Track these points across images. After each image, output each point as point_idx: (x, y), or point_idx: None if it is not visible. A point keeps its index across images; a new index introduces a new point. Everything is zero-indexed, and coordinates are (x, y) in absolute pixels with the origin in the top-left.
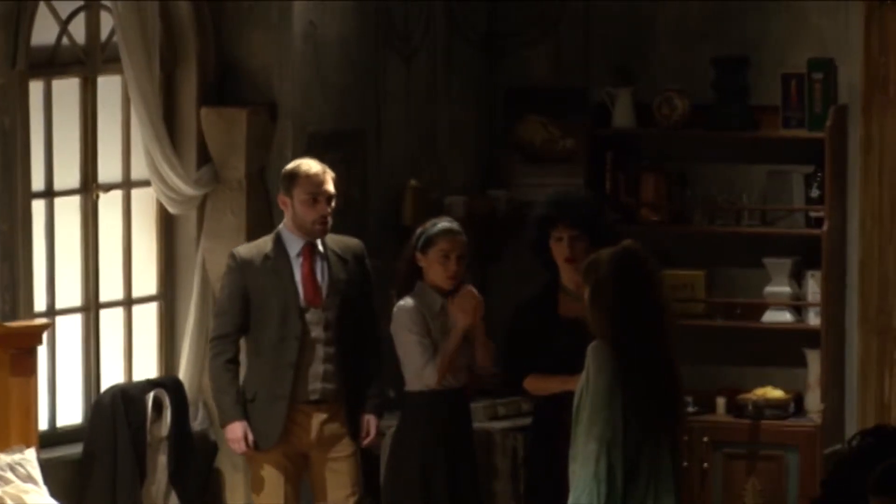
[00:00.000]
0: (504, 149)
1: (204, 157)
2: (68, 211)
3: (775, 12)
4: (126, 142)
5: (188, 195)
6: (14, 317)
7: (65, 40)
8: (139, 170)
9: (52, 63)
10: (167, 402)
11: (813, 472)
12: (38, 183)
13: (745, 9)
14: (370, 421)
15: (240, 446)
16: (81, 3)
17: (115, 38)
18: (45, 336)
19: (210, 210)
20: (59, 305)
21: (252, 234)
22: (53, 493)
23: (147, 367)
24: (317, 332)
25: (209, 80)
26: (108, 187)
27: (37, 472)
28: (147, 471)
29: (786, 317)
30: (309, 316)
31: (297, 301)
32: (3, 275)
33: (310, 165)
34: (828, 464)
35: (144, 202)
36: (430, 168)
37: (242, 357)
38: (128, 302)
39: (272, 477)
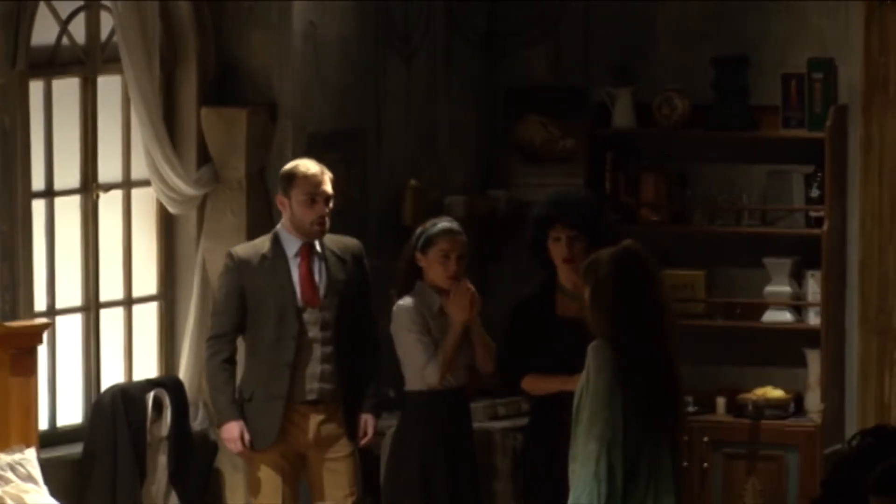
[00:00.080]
0: (504, 149)
1: (204, 157)
2: (68, 211)
3: (775, 12)
4: (126, 142)
5: (188, 195)
6: (14, 317)
7: (65, 40)
8: (139, 170)
9: (52, 63)
10: (167, 401)
11: (813, 472)
12: (38, 183)
13: (745, 9)
14: (368, 421)
15: (236, 446)
16: (81, 3)
17: (115, 38)
18: (45, 336)
19: (210, 210)
20: (59, 305)
21: (252, 234)
22: (53, 493)
23: (147, 367)
24: (314, 332)
25: (209, 80)
26: (108, 187)
27: (37, 472)
28: (147, 471)
29: (786, 317)
30: (306, 316)
31: (294, 301)
32: (3, 275)
33: (307, 166)
34: (828, 464)
35: (144, 202)
36: (430, 168)
37: (240, 357)
38: (128, 302)
39: (269, 477)
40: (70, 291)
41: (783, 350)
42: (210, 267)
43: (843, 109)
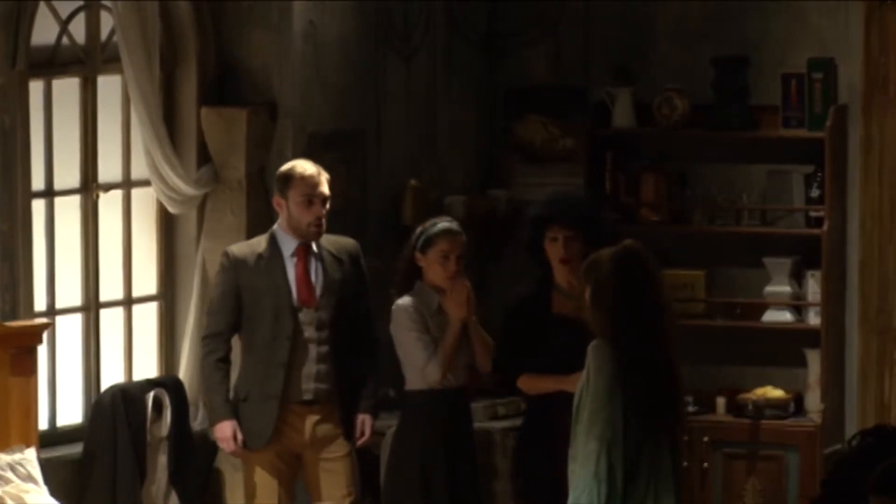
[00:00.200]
0: (504, 149)
1: (204, 157)
2: (68, 211)
3: (775, 12)
4: (126, 142)
5: (188, 195)
6: (14, 317)
7: (65, 40)
8: (139, 170)
9: (52, 63)
10: (167, 401)
11: (813, 472)
12: (38, 183)
13: (745, 9)
14: (365, 421)
15: (228, 445)
16: (81, 3)
17: (115, 38)
18: (45, 336)
19: (210, 210)
20: (59, 305)
21: (252, 234)
22: (53, 493)
23: (147, 367)
24: (309, 332)
25: (209, 80)
26: (108, 187)
27: (37, 472)
28: (147, 471)
29: (786, 317)
30: (301, 316)
31: (289, 301)
32: (3, 275)
33: (304, 167)
34: (828, 464)
35: (144, 202)
36: (430, 168)
37: (235, 356)
38: (128, 302)
39: (265, 478)
40: (70, 291)
41: (783, 350)
42: (210, 267)
43: (843, 109)
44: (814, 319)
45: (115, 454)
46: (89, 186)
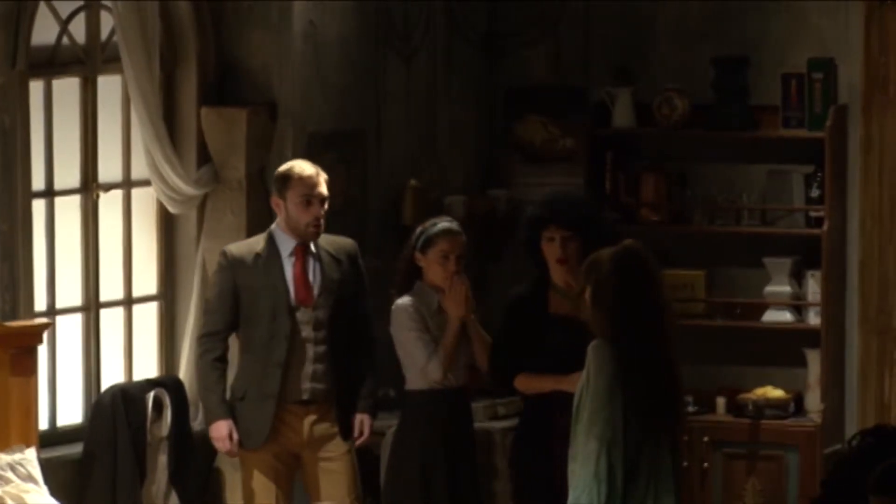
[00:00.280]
0: (504, 149)
1: (204, 157)
2: (68, 211)
3: (775, 12)
4: (126, 141)
5: (188, 195)
6: (14, 316)
7: (65, 40)
8: (139, 169)
9: (52, 63)
10: (167, 401)
11: (813, 472)
12: (38, 182)
13: (745, 9)
14: (364, 421)
15: (224, 445)
16: (81, 2)
17: (115, 38)
18: (45, 336)
19: (210, 210)
20: (59, 305)
21: (252, 234)
22: (53, 493)
23: (147, 367)
24: (307, 331)
25: (209, 80)
26: (109, 187)
27: (37, 472)
28: (147, 471)
29: (786, 317)
30: (299, 315)
31: (287, 300)
32: (3, 275)
33: (303, 168)
34: (828, 464)
35: (144, 202)
36: (430, 168)
37: (232, 355)
38: (128, 302)
39: (263, 479)
40: (70, 291)
41: (783, 350)
42: (210, 267)
43: (843, 109)
44: (814, 319)
45: (115, 454)
46: (89, 186)
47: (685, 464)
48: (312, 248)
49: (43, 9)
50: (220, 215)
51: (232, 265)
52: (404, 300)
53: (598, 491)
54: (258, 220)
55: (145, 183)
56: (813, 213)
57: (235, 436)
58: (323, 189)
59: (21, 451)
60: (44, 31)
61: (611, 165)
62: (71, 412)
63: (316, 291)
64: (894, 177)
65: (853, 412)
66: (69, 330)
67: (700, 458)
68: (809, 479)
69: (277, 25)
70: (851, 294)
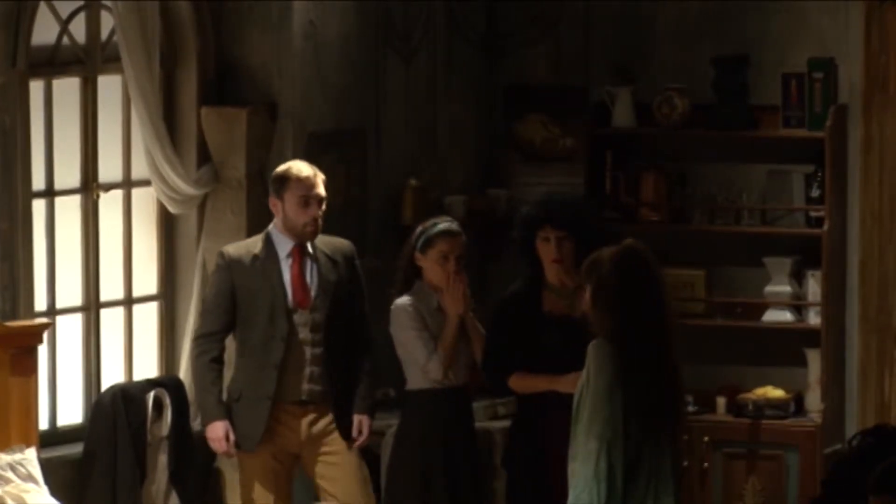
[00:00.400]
0: (504, 148)
1: (204, 157)
2: (69, 210)
3: (775, 12)
4: (126, 141)
5: (188, 195)
6: (14, 316)
7: (65, 40)
8: (139, 169)
9: (52, 63)
10: (167, 401)
11: (813, 472)
12: (38, 182)
13: (745, 8)
14: (363, 421)
15: (220, 446)
16: (81, 2)
17: (115, 38)
18: (45, 336)
19: (210, 210)
20: (59, 305)
21: (252, 234)
22: (54, 493)
23: (147, 367)
24: (304, 333)
25: (209, 80)
26: (109, 187)
27: (37, 472)
28: (147, 470)
29: (786, 316)
30: (296, 317)
31: (284, 302)
32: (4, 274)
33: (300, 168)
34: (828, 464)
35: (145, 202)
36: (430, 168)
37: (228, 356)
38: (128, 301)
39: (261, 479)
40: (70, 291)
41: (783, 350)
42: (210, 267)
43: (843, 109)
44: (814, 319)
45: (115, 454)
46: (89, 186)
47: (685, 464)
48: (309, 249)
49: (43, 9)
50: (220, 215)
51: (230, 266)
52: (404, 300)
53: (598, 490)
54: (258, 220)
55: (145, 183)
56: (813, 213)
57: (232, 437)
58: (321, 190)
59: (21, 451)
60: (44, 31)
61: (611, 165)
62: (71, 412)
63: (313, 293)
64: (894, 177)
65: (853, 412)
66: (69, 330)
67: (700, 458)
68: (809, 479)
69: (277, 25)
70: (851, 294)
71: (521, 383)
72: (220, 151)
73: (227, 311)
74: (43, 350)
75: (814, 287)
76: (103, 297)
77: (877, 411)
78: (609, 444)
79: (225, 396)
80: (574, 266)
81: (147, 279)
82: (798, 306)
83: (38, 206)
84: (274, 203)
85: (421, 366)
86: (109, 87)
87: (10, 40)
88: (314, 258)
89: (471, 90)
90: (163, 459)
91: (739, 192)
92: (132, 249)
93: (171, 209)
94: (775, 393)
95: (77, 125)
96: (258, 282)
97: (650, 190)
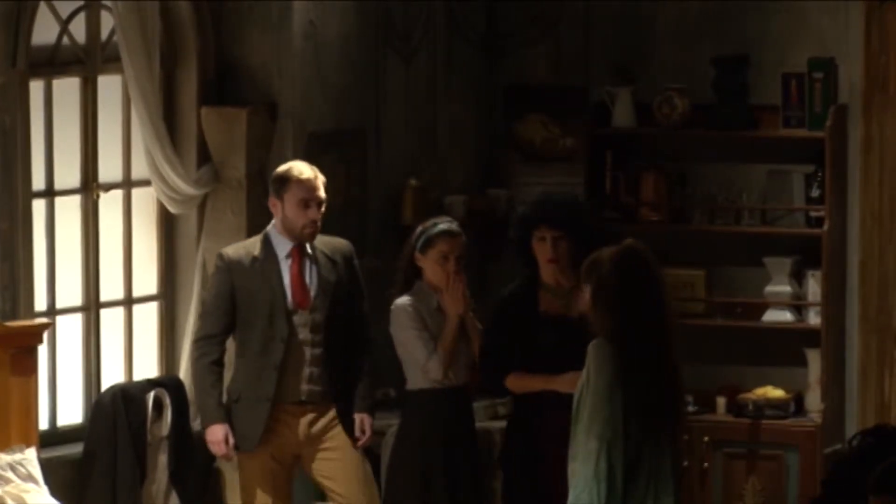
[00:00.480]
0: (504, 148)
1: (204, 157)
2: (69, 210)
3: (775, 12)
4: (126, 141)
5: (188, 195)
6: (14, 316)
7: (65, 40)
8: (139, 169)
9: (52, 63)
10: (167, 401)
11: (813, 472)
12: (38, 182)
13: (745, 8)
14: (364, 420)
15: (220, 448)
16: (82, 2)
17: (115, 38)
18: (45, 336)
19: (210, 210)
20: (59, 305)
21: (252, 234)
22: (54, 493)
23: (147, 367)
24: (304, 334)
25: (209, 80)
26: (109, 187)
27: (37, 472)
28: (147, 470)
29: (786, 316)
30: (296, 318)
31: (284, 303)
32: (4, 274)
33: (301, 170)
34: (828, 464)
35: (145, 202)
36: (430, 168)
37: (228, 357)
38: (128, 301)
39: (261, 480)
40: (70, 291)
41: (783, 350)
42: (210, 267)
43: (843, 109)
44: (814, 319)
45: (115, 454)
46: (89, 186)
47: (685, 464)
48: (309, 249)
49: (43, 9)
50: (220, 215)
51: (229, 268)
52: (403, 300)
53: (598, 490)
54: (258, 220)
55: (145, 183)
56: (813, 213)
57: (231, 440)
58: (321, 192)
59: (21, 451)
60: (44, 31)
61: (611, 165)
62: (71, 412)
63: (313, 294)
64: (894, 177)
65: (853, 412)
66: (69, 330)
67: (700, 458)
68: (809, 478)
69: (277, 25)
70: (851, 294)
71: (517, 383)
72: (220, 151)
73: (227, 313)
74: (43, 350)
75: (814, 287)
76: (103, 297)
77: (877, 411)
78: (609, 444)
79: (224, 398)
80: (570, 266)
81: (147, 279)
82: (798, 306)
83: (38, 206)
84: (274, 203)
85: (421, 366)
86: (109, 87)
87: (10, 40)
88: (313, 259)
89: (471, 90)
90: (163, 459)
91: (739, 192)
92: (132, 249)
93: (171, 209)
94: (775, 393)
95: (77, 125)
96: (258, 283)
97: (650, 190)
